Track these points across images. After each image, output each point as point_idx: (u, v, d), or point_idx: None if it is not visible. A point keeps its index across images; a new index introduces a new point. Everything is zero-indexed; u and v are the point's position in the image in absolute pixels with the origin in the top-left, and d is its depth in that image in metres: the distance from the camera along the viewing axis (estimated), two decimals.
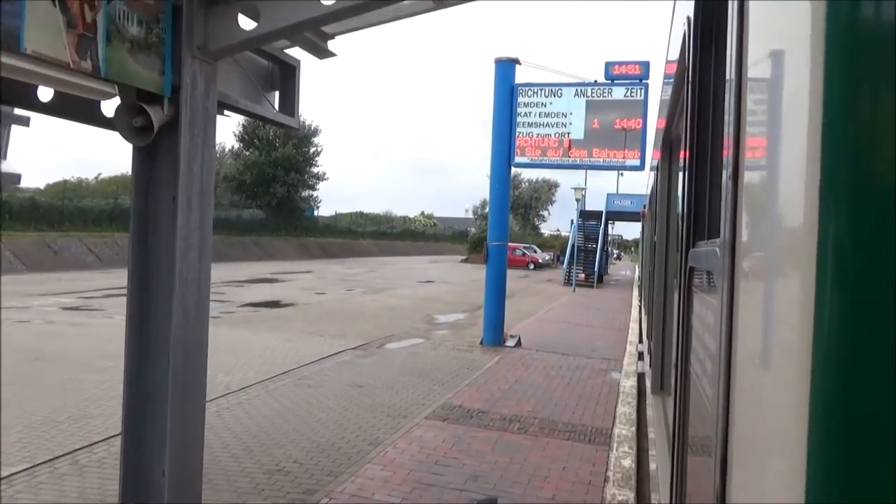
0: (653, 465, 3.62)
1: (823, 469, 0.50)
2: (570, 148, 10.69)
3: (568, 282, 27.34)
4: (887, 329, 0.48)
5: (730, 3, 0.96)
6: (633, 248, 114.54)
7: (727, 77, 0.95)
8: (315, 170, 47.42)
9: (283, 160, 43.08)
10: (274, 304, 16.00)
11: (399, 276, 29.10)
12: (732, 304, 0.83)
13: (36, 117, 3.29)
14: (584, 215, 35.76)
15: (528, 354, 10.30)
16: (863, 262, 0.49)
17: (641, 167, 10.42)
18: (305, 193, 48.19)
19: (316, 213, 60.71)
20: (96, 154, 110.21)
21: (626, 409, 7.23)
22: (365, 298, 18.48)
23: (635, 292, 25.56)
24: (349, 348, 10.27)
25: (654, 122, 6.90)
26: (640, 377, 7.88)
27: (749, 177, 0.79)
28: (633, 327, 14.59)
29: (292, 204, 44.61)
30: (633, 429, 6.39)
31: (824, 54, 0.50)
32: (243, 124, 42.98)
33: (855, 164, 0.49)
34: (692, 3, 1.69)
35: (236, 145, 44.99)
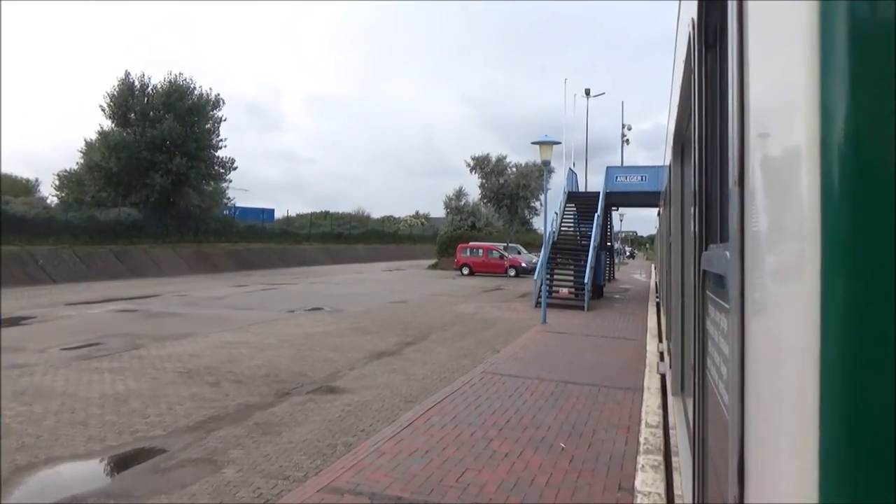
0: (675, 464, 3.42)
1: (835, 470, 0.50)
2: None
3: (538, 303, 16.62)
4: (893, 328, 0.48)
5: (730, 3, 0.96)
6: (647, 245, 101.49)
7: (729, 79, 0.94)
8: (220, 154, 34.91)
9: (163, 140, 31.00)
10: None
11: (284, 299, 18.71)
12: (744, 308, 0.83)
13: None
14: (577, 200, 24.83)
15: None
16: (866, 263, 0.48)
17: None
18: (226, 186, 37.37)
19: (275, 216, 51.03)
20: None
21: None
22: (50, 381, 8.05)
23: (652, 321, 14.71)
24: None
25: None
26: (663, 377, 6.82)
27: (754, 179, 0.78)
28: None
29: (185, 200, 32.52)
30: None
31: (820, 54, 0.50)
32: (112, 94, 31.43)
33: (854, 165, 0.49)
34: (696, 4, 1.70)
35: (106, 124, 32.08)
